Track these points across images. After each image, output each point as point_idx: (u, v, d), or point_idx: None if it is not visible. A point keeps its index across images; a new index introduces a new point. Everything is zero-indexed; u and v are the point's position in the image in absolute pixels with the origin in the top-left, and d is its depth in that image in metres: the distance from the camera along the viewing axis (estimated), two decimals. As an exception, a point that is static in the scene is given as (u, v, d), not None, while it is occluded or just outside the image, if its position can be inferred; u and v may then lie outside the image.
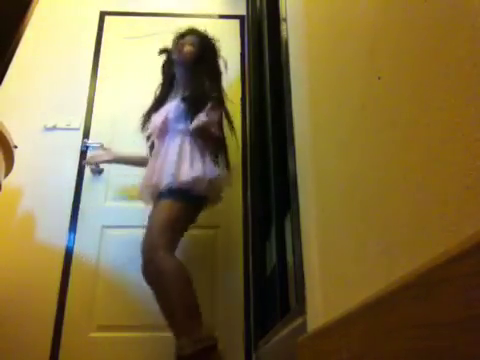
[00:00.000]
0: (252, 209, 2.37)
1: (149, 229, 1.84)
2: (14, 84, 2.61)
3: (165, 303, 1.73)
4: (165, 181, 1.90)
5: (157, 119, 2.11)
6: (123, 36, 2.89)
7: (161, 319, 2.20)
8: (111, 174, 2.54)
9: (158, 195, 1.93)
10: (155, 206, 1.93)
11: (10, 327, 2.16)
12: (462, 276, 0.36)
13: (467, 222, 0.39)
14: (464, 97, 0.40)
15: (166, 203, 1.89)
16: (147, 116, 2.26)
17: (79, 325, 2.22)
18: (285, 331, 1.23)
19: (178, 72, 2.26)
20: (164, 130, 2.08)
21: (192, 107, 2.06)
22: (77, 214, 2.44)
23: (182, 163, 1.95)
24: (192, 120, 2.02)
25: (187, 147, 2.00)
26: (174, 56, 2.24)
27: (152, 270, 1.75)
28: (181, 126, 2.05)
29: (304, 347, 0.90)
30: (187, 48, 2.20)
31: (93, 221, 2.44)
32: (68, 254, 2.34)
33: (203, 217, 2.46)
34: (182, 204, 1.91)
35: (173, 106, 2.10)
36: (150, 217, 1.90)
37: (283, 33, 1.45)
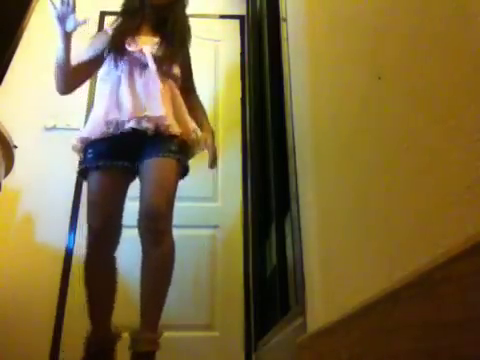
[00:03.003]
0: (252, 209, 2.37)
1: (161, 190, 1.53)
2: (14, 84, 2.60)
3: (159, 287, 1.52)
4: (173, 130, 1.58)
5: (155, 47, 1.72)
6: (123, 36, 2.89)
7: (161, 319, 2.20)
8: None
9: (155, 141, 1.57)
10: (160, 158, 1.56)
11: (10, 327, 2.16)
12: (462, 276, 0.36)
13: (467, 222, 0.39)
14: (464, 98, 0.40)
15: (176, 163, 1.58)
16: (122, 35, 1.74)
17: (79, 325, 2.22)
18: (285, 331, 1.23)
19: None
20: (163, 63, 1.69)
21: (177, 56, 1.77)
22: (77, 214, 2.44)
23: (187, 116, 1.70)
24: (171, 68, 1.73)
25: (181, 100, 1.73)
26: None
27: (164, 250, 1.52)
28: (175, 70, 1.75)
29: (304, 347, 0.89)
30: None
31: (93, 221, 2.44)
32: (68, 254, 2.34)
33: (203, 217, 2.46)
34: (184, 167, 1.67)
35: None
36: (160, 171, 1.56)
37: (283, 33, 1.45)
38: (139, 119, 1.57)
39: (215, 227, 2.46)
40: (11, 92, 2.60)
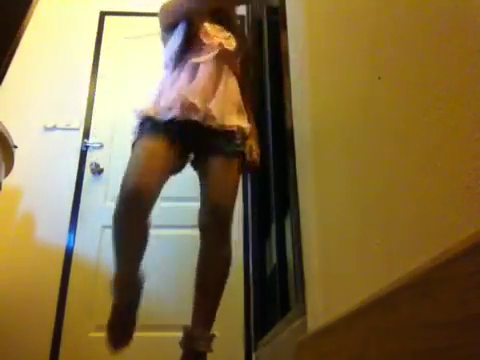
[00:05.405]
0: (252, 209, 2.37)
1: (225, 193, 1.40)
2: (14, 84, 2.60)
3: (216, 289, 1.43)
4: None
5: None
6: (123, 36, 2.88)
7: (161, 319, 2.20)
8: (111, 174, 2.54)
9: (223, 142, 1.40)
10: (224, 162, 1.41)
11: (10, 327, 2.16)
12: (462, 276, 0.36)
13: (467, 222, 0.39)
14: (464, 97, 0.40)
15: (236, 167, 1.43)
16: None
17: (79, 325, 2.22)
18: (285, 331, 1.23)
19: None
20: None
21: None
22: (77, 214, 2.44)
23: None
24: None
25: None
26: None
27: (227, 253, 1.42)
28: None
29: (304, 347, 0.89)
30: None
31: (93, 221, 2.43)
32: (68, 254, 2.34)
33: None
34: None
35: None
36: (223, 175, 1.41)
37: (283, 33, 1.45)
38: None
39: (215, 227, 2.45)
40: (11, 92, 2.60)
